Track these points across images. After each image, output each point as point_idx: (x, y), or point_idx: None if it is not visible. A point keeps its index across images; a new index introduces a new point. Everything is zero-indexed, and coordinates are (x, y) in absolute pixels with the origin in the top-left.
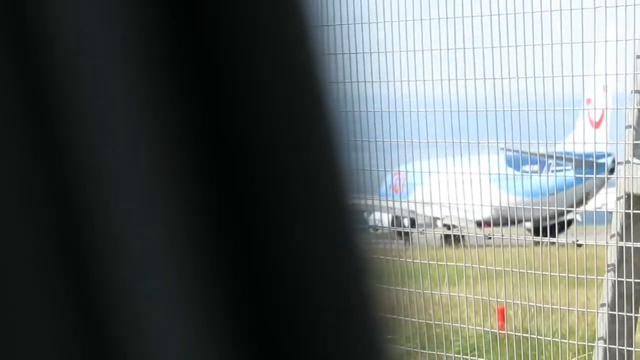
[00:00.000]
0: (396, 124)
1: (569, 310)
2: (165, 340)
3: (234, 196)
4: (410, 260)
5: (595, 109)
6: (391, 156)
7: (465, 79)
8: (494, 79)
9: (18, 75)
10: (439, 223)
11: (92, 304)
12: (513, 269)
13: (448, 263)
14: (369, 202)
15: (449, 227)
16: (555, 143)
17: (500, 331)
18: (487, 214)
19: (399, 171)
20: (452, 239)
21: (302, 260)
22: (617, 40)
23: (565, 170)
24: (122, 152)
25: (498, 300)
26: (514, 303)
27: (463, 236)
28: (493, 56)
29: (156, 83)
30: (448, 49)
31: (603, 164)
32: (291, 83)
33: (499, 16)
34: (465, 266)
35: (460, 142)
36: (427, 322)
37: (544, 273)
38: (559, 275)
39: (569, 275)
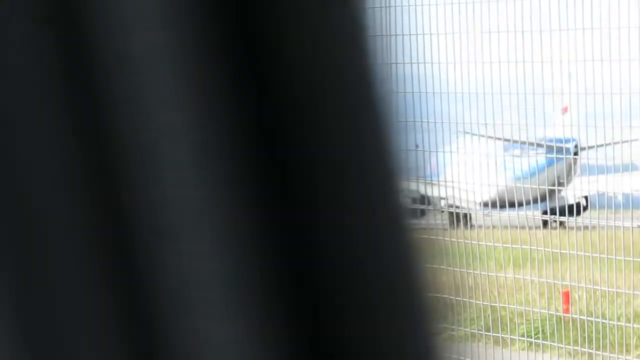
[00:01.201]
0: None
1: (633, 294)
2: (216, 344)
3: (285, 194)
4: (476, 242)
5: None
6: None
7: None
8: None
9: (69, 75)
10: (442, 203)
11: (145, 311)
12: (578, 252)
13: (514, 245)
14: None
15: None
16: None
17: (565, 314)
18: (492, 194)
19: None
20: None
21: (354, 259)
22: None
23: (538, 154)
24: (179, 155)
25: (563, 283)
26: (579, 286)
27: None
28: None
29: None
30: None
31: (569, 149)
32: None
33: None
34: (530, 249)
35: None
36: (492, 304)
37: (609, 256)
38: (624, 259)
39: (634, 259)
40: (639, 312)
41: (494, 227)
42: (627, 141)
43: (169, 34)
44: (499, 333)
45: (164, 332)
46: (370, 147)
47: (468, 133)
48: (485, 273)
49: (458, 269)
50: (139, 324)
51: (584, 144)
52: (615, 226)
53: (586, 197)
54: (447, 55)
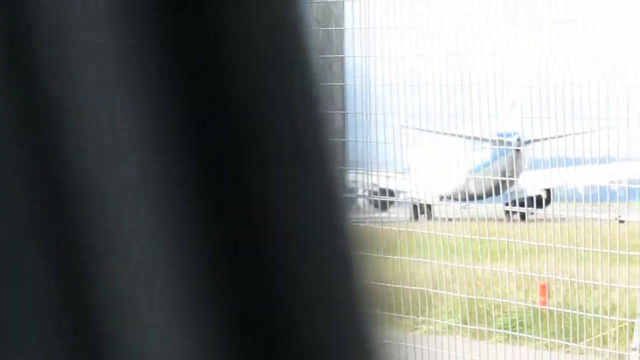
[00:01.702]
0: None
1: (610, 286)
2: (156, 338)
3: (226, 194)
4: (454, 235)
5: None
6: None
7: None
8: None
9: (15, 83)
10: (402, 196)
11: (86, 306)
12: (556, 245)
13: (491, 238)
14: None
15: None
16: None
17: (542, 307)
18: (451, 187)
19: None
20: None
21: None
22: None
23: (484, 149)
24: (119, 151)
25: (541, 275)
26: (556, 279)
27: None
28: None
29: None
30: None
31: (512, 142)
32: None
33: None
34: (508, 241)
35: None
36: (469, 297)
37: (586, 249)
38: (601, 252)
39: (611, 251)
40: (616, 305)
41: (457, 219)
42: (579, 133)
43: (110, 32)
44: (476, 325)
45: (101, 324)
46: (312, 142)
47: (412, 128)
48: (463, 265)
49: (436, 262)
50: (77, 316)
51: (531, 137)
52: (592, 218)
53: (548, 190)
54: (393, 49)
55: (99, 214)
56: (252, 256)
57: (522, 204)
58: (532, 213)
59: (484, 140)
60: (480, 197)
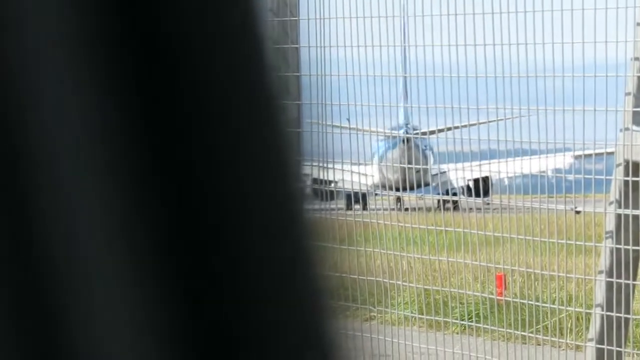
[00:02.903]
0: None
1: (566, 277)
2: (109, 332)
3: (176, 180)
4: (410, 226)
5: (599, 75)
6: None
7: (466, 45)
8: (494, 45)
9: None
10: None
11: (38, 305)
12: (512, 236)
13: (447, 229)
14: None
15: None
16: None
17: (499, 297)
18: (379, 178)
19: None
20: (451, 204)
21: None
22: (617, 8)
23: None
24: (70, 148)
25: (497, 266)
26: (512, 269)
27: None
28: (493, 22)
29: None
30: (449, 15)
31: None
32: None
33: None
34: (464, 232)
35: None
36: (426, 287)
37: (542, 239)
38: (558, 242)
39: (568, 242)
40: (573, 296)
41: (392, 209)
42: (475, 124)
43: (65, 27)
44: (432, 316)
45: (61, 325)
46: (264, 130)
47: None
48: (419, 256)
49: (392, 252)
50: (36, 317)
51: (426, 129)
52: (548, 209)
53: (476, 180)
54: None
55: (51, 206)
56: (206, 252)
57: (454, 194)
58: (488, 203)
59: (378, 133)
60: (405, 188)
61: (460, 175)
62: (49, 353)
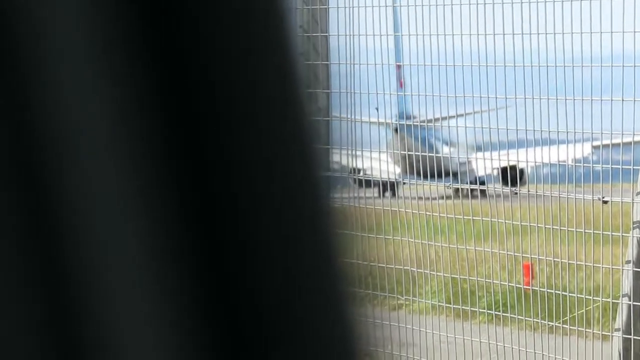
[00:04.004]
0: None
1: (593, 267)
2: (133, 334)
3: (203, 181)
4: (437, 215)
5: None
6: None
7: (494, 34)
8: (530, 34)
9: None
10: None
11: (63, 303)
12: (540, 225)
13: (475, 218)
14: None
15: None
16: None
17: (526, 287)
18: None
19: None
20: (478, 193)
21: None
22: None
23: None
24: (99, 161)
25: (524, 256)
26: (539, 259)
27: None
28: (529, 10)
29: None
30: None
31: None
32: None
33: None
34: (491, 221)
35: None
36: (453, 276)
37: (570, 229)
38: (585, 232)
39: (595, 232)
40: (600, 285)
41: (413, 198)
42: (470, 114)
43: (86, 30)
44: (459, 305)
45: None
46: (295, 121)
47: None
48: (447, 245)
49: (420, 241)
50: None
51: (425, 117)
52: (575, 199)
53: (504, 169)
54: None
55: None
56: (232, 239)
57: (482, 183)
58: (516, 193)
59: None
60: (425, 176)
61: (487, 164)
62: (72, 346)
